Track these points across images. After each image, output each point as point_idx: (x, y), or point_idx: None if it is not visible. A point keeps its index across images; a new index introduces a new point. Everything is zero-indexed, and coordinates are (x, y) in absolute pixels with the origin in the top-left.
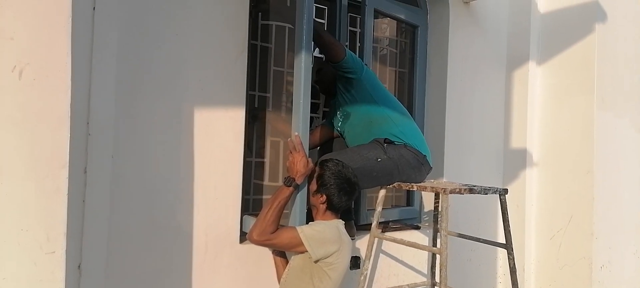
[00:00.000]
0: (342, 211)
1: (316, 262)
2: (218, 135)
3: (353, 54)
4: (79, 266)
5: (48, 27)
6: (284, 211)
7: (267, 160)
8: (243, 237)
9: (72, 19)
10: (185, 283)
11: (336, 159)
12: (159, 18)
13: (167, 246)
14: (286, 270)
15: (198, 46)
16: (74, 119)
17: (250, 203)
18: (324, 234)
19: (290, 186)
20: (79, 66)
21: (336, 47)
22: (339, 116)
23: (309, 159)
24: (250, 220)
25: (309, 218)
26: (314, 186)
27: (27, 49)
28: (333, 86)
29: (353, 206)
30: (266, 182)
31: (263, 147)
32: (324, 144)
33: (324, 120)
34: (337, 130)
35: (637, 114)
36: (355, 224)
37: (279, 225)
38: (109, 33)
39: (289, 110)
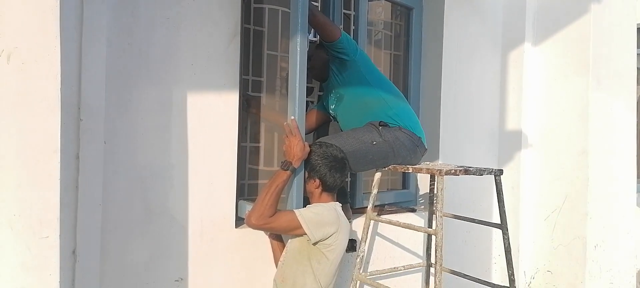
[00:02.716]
0: (338, 194)
1: (315, 244)
2: (212, 120)
3: (348, 35)
4: (74, 251)
5: (36, 10)
6: (281, 195)
7: (262, 144)
8: (239, 221)
9: (60, 2)
10: (181, 268)
11: (319, 141)
12: (149, 1)
13: (162, 231)
14: (283, 253)
15: (190, 30)
16: (65, 104)
17: (246, 188)
18: (322, 216)
19: (287, 170)
20: (69, 50)
21: (331, 27)
22: (332, 99)
23: (306, 143)
24: (246, 205)
25: (306, 201)
26: (306, 173)
27: (15, 33)
28: (324, 72)
29: (348, 189)
30: (261, 167)
31: (258, 131)
32: (319, 127)
33: (318, 103)
34: (331, 113)
35: (632, 94)
36: (351, 207)
37: (276, 208)
38: (99, 16)
39: (283, 95)
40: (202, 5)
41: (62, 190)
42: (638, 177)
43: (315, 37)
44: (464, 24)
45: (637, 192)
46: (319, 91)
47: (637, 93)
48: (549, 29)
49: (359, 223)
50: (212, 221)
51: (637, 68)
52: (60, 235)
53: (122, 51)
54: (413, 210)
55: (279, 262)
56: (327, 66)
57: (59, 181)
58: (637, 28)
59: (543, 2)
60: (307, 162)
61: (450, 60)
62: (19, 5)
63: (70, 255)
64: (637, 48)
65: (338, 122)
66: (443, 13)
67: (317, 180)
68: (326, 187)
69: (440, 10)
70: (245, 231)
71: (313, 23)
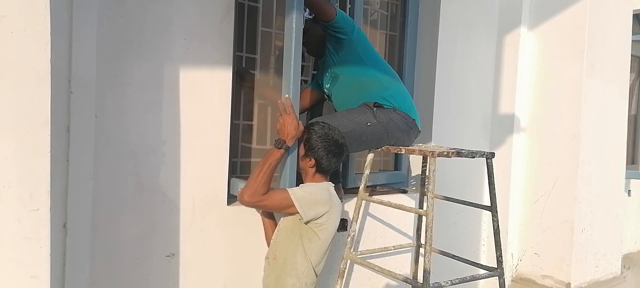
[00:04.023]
0: (331, 174)
1: (307, 223)
2: (204, 97)
3: (344, 13)
4: (65, 225)
5: None
6: (274, 174)
7: (255, 122)
8: (231, 199)
9: None
10: (173, 244)
11: (322, 122)
12: None
13: (153, 207)
14: (275, 231)
15: (183, 4)
16: (55, 75)
17: (238, 166)
18: (315, 195)
19: (281, 148)
20: (59, 21)
21: (326, 6)
22: (327, 77)
23: (300, 121)
24: (238, 183)
25: (299, 180)
26: (301, 150)
27: (4, 1)
28: (321, 47)
29: (341, 169)
30: (254, 145)
31: (251, 109)
32: (314, 106)
33: (312, 82)
34: (325, 91)
35: (625, 81)
36: (343, 188)
37: (269, 186)
38: None
39: (278, 72)
40: None
41: (53, 163)
42: (627, 164)
43: (311, 14)
44: (461, 6)
45: (626, 178)
46: (313, 70)
47: (630, 80)
48: (546, 13)
49: (350, 203)
50: (204, 198)
51: (632, 55)
52: (50, 208)
53: (113, 23)
54: (405, 192)
55: (271, 240)
56: (323, 42)
57: (49, 153)
58: (633, 15)
59: None
60: (307, 140)
61: (445, 42)
62: None
63: (61, 229)
64: (632, 35)
65: (332, 102)
66: None
67: (313, 160)
68: (320, 169)
69: None
70: (237, 208)
71: (307, 2)
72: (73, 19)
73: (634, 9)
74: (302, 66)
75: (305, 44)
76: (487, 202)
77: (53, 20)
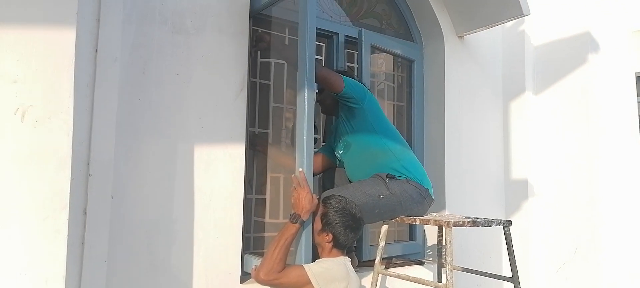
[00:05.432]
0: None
1: None
2: (218, 173)
3: (352, 81)
4: None
5: (51, 70)
6: (290, 249)
7: (267, 196)
8: (244, 276)
9: (74, 62)
10: None
11: (339, 195)
12: (160, 58)
13: (166, 287)
14: None
15: (198, 85)
16: (75, 160)
17: (251, 242)
18: (332, 271)
19: (296, 223)
20: (81, 107)
21: (333, 80)
22: (340, 145)
23: (314, 195)
24: (252, 259)
25: (315, 254)
26: (318, 225)
27: (30, 92)
28: (334, 107)
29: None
30: (267, 219)
31: (264, 183)
32: (325, 171)
33: (323, 146)
34: (337, 156)
35: (635, 141)
36: (358, 259)
37: (286, 263)
38: (111, 74)
39: (289, 145)
40: (210, 61)
41: (69, 246)
42: None
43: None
44: (465, 75)
45: None
46: (323, 141)
47: None
48: (549, 79)
49: (366, 277)
50: (217, 276)
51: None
52: None
53: (132, 107)
54: (421, 263)
55: None
56: (337, 101)
57: (66, 237)
58: (637, 77)
59: (541, 52)
60: (324, 215)
61: (452, 110)
62: (35, 65)
63: None
64: (637, 96)
65: (344, 167)
66: (444, 65)
67: (330, 235)
68: (337, 244)
69: (440, 62)
70: (251, 286)
71: (316, 78)
72: (94, 104)
73: (637, 71)
74: (315, 138)
75: (320, 102)
76: (507, 271)
77: (76, 107)
